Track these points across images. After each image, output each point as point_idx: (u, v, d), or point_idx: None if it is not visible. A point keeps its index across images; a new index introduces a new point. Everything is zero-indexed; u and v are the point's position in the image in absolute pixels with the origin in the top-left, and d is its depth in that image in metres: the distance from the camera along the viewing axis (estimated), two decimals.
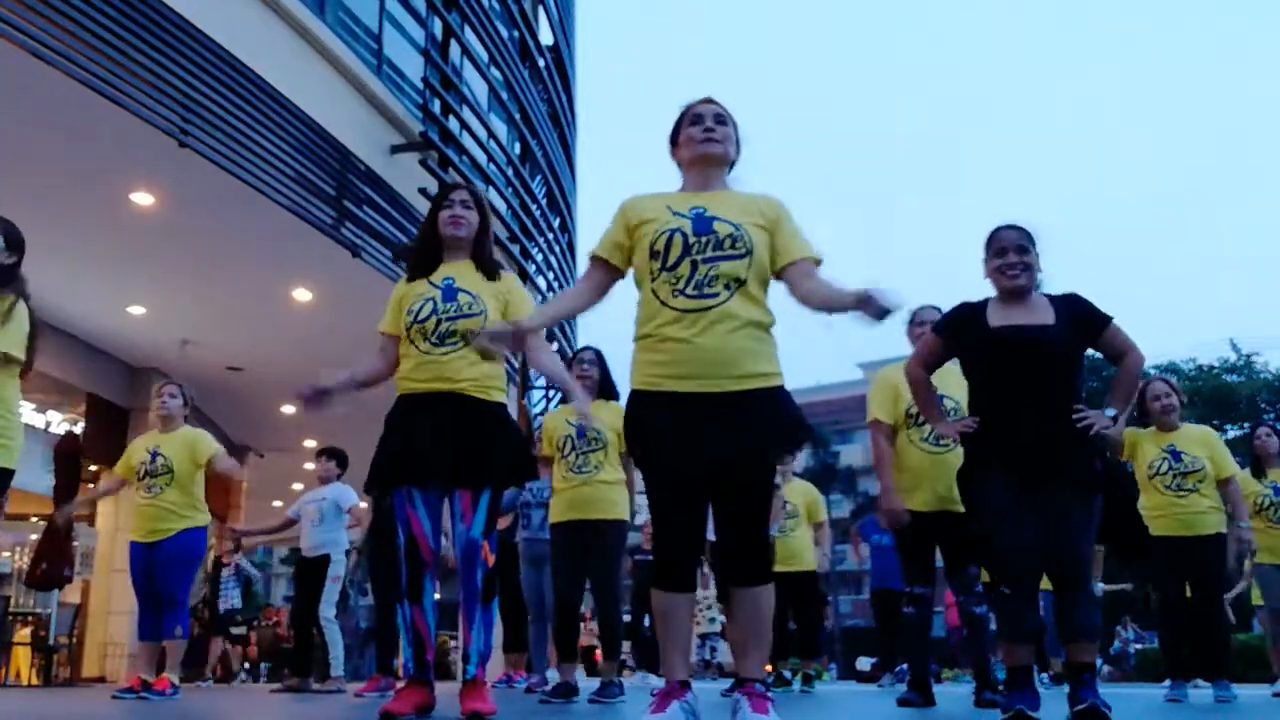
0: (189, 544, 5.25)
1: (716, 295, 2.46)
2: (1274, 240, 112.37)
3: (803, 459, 49.85)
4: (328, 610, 6.72)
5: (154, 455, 5.29)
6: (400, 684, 6.21)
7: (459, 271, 3.26)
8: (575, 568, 4.66)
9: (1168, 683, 5.14)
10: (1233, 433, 20.70)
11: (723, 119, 2.69)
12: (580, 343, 14.49)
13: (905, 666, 8.72)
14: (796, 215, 2.66)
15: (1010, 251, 3.20)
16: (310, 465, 7.14)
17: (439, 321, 3.15)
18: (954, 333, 3.32)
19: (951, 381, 3.97)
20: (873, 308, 2.30)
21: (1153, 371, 25.50)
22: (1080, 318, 3.18)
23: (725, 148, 2.67)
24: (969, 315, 3.28)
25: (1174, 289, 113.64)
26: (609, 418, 4.60)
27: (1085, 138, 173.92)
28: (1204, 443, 5.04)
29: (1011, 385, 3.11)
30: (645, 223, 2.58)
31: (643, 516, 7.76)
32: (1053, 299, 3.24)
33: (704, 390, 2.44)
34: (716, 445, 2.44)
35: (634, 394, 2.57)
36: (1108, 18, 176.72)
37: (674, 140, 2.74)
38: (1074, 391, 3.17)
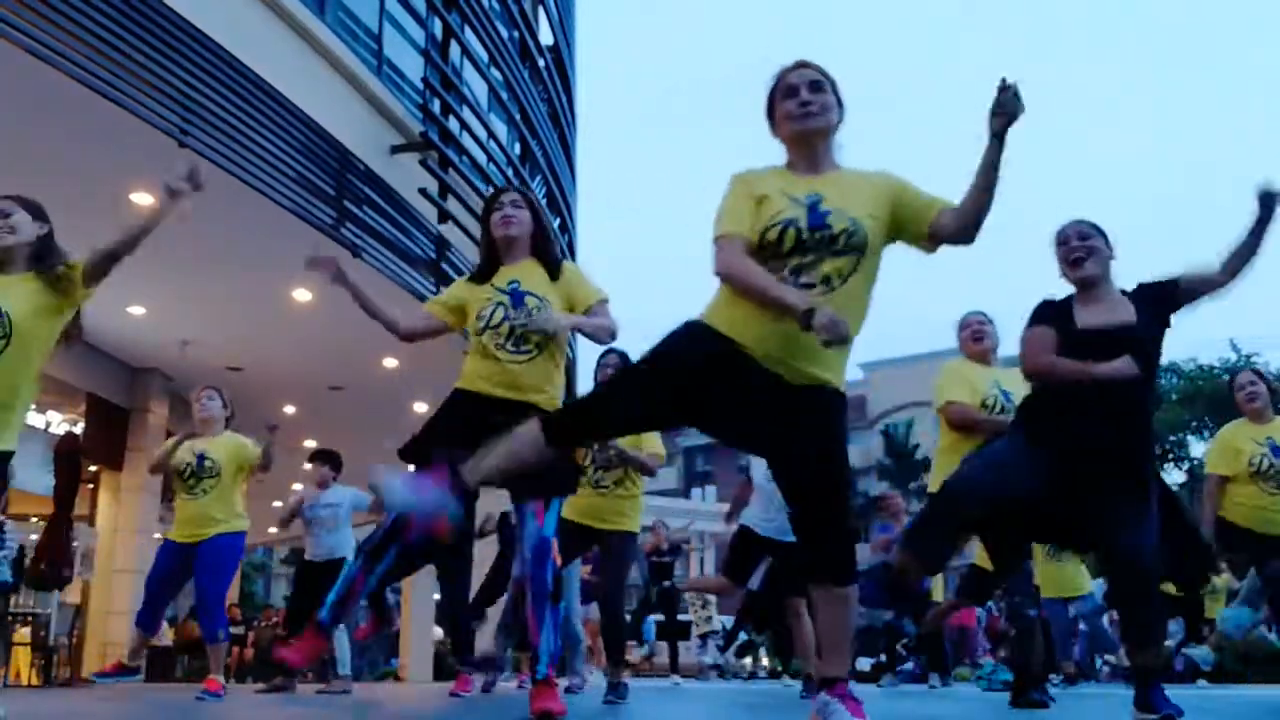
0: (228, 547, 5.33)
1: (814, 286, 2.34)
2: (1274, 240, 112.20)
3: None
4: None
5: (200, 458, 5.36)
6: (480, 677, 6.21)
7: (522, 273, 3.24)
8: (564, 563, 4.68)
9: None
10: None
11: (819, 85, 2.49)
12: (581, 346, 14.51)
13: (909, 666, 8.77)
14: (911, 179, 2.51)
15: (1072, 238, 3.24)
16: (310, 465, 7.13)
17: (511, 328, 3.14)
18: (1051, 321, 3.25)
19: (1012, 378, 4.07)
20: (999, 117, 2.28)
21: None
22: (1156, 298, 3.18)
23: (826, 118, 2.49)
24: (1057, 310, 3.26)
25: None
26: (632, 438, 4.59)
27: (1081, 136, 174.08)
28: None
29: (1090, 387, 3.06)
30: (763, 199, 2.42)
31: (650, 518, 7.75)
32: (1128, 294, 3.24)
33: (765, 366, 2.35)
34: (774, 432, 2.38)
35: (693, 321, 2.46)
36: (1106, 17, 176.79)
37: (770, 115, 2.56)
38: (1150, 392, 3.15)
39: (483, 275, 3.31)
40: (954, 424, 4.21)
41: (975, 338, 4.43)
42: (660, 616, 10.44)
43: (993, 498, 3.08)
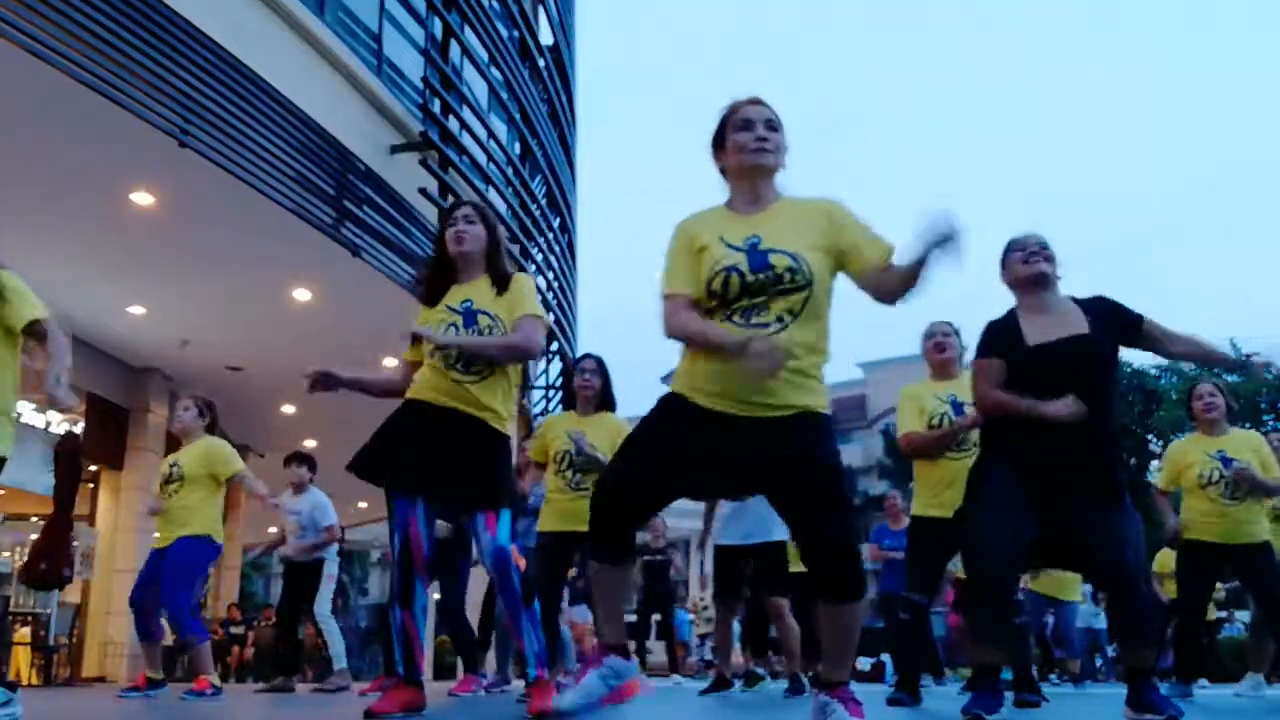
0: (189, 550, 5.28)
1: (767, 325, 2.35)
2: (1275, 240, 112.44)
3: None
4: (323, 608, 6.72)
5: (173, 465, 5.42)
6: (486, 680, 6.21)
7: (475, 291, 3.23)
8: (557, 575, 4.72)
9: (1167, 683, 5.14)
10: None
11: (774, 125, 2.51)
12: (581, 346, 14.54)
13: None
14: (855, 210, 2.49)
15: (1032, 244, 3.26)
16: (286, 467, 7.12)
17: (461, 352, 3.15)
18: (998, 348, 3.27)
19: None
20: (939, 245, 2.21)
21: (1153, 370, 25.51)
22: (1114, 320, 3.18)
23: (778, 158, 2.50)
24: (1003, 330, 3.27)
25: (1175, 288, 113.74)
26: (606, 432, 4.58)
27: (1083, 137, 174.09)
28: (1253, 448, 4.98)
29: (1050, 397, 3.07)
30: (703, 249, 2.44)
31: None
32: (1080, 302, 3.23)
33: (740, 413, 2.36)
34: (754, 466, 2.39)
35: (669, 394, 2.50)
36: (1104, 18, 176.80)
37: (718, 143, 2.55)
38: (1111, 398, 3.15)
39: (434, 296, 3.29)
40: (907, 454, 4.34)
41: (938, 349, 4.45)
42: (659, 616, 10.44)
43: (1018, 554, 3.08)
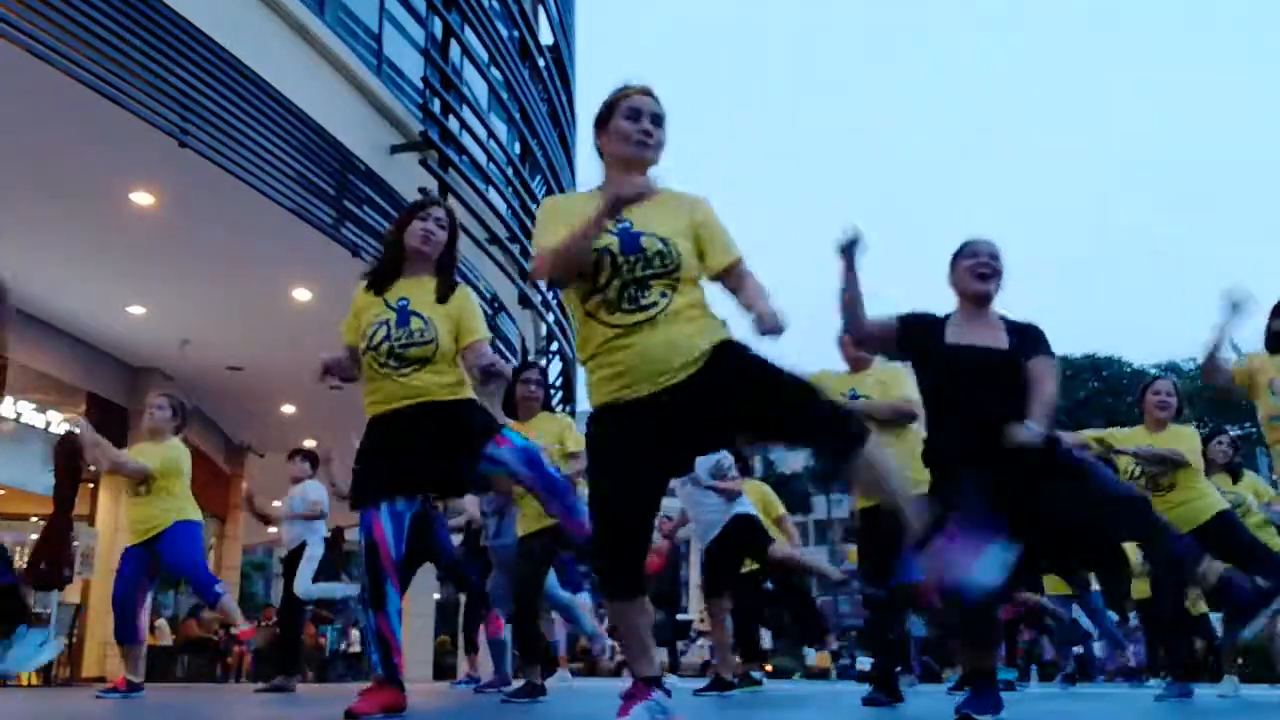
0: (184, 532, 5.41)
1: (655, 304, 2.38)
2: (1275, 240, 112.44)
3: (804, 457, 49.73)
4: (303, 584, 6.73)
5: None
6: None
7: (415, 290, 3.28)
8: (538, 573, 4.76)
9: (1165, 682, 5.13)
10: (1232, 432, 20.66)
11: (659, 120, 2.53)
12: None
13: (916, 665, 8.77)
14: (719, 214, 2.56)
15: (984, 254, 3.21)
16: (288, 461, 7.19)
17: (392, 349, 3.20)
18: (911, 330, 3.25)
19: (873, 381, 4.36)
20: (761, 328, 2.33)
21: (1153, 370, 25.58)
22: (1031, 345, 3.14)
23: (658, 154, 2.53)
24: (929, 324, 3.24)
25: (1176, 288, 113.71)
26: (549, 433, 4.72)
27: (1083, 136, 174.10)
28: (1176, 441, 4.95)
29: (964, 404, 3.08)
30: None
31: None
32: (1009, 323, 3.21)
33: (663, 386, 2.37)
34: (702, 427, 2.40)
35: (593, 411, 2.49)
36: (1104, 18, 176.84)
37: (601, 125, 2.56)
38: (1019, 407, 3.06)
39: (382, 282, 3.34)
40: None
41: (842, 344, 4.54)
42: (659, 615, 10.45)
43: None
